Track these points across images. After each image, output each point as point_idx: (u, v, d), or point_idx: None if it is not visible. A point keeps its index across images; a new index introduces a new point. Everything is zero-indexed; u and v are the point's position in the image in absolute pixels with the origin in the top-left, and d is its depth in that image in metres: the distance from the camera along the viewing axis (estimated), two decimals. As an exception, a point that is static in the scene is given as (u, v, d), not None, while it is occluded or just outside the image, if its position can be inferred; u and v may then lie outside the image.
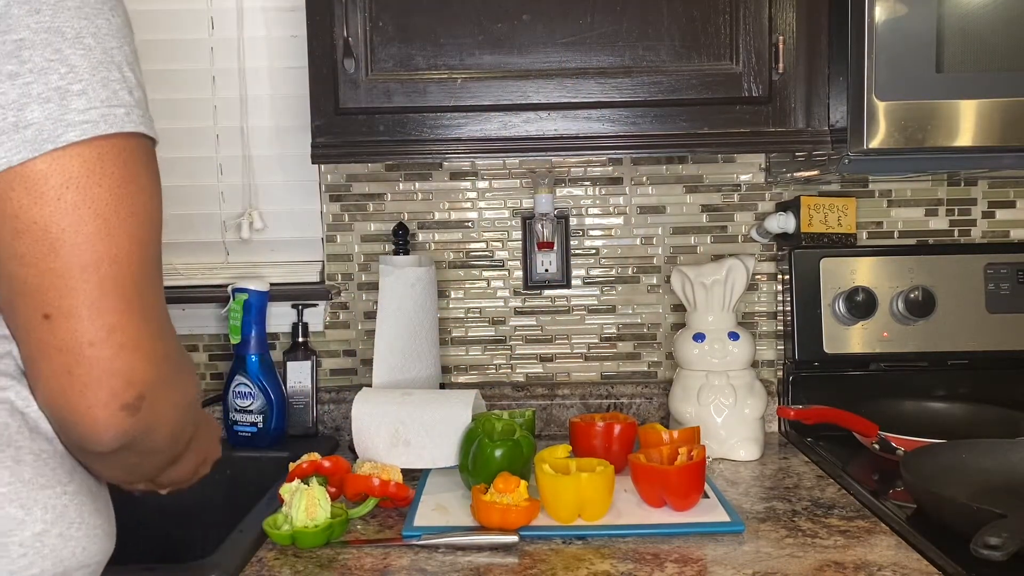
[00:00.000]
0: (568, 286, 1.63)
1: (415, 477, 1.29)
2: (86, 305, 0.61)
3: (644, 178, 1.62)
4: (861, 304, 1.50)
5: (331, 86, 1.27)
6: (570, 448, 1.20)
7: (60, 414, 0.64)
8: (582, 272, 1.63)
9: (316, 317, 1.63)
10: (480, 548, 1.04)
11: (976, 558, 0.88)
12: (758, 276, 1.62)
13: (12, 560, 0.62)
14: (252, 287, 1.50)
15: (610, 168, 1.62)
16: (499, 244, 1.63)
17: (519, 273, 1.63)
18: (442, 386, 1.59)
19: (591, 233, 1.63)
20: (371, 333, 1.61)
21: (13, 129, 0.59)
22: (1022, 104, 1.17)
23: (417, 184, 1.62)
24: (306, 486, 1.09)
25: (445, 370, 1.64)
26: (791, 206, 1.54)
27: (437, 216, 1.63)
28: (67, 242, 0.60)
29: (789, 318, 1.54)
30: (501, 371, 1.65)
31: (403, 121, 1.28)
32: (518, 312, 1.64)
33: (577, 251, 1.63)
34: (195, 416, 0.76)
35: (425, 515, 1.14)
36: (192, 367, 0.75)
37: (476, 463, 1.19)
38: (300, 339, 1.58)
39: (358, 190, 1.62)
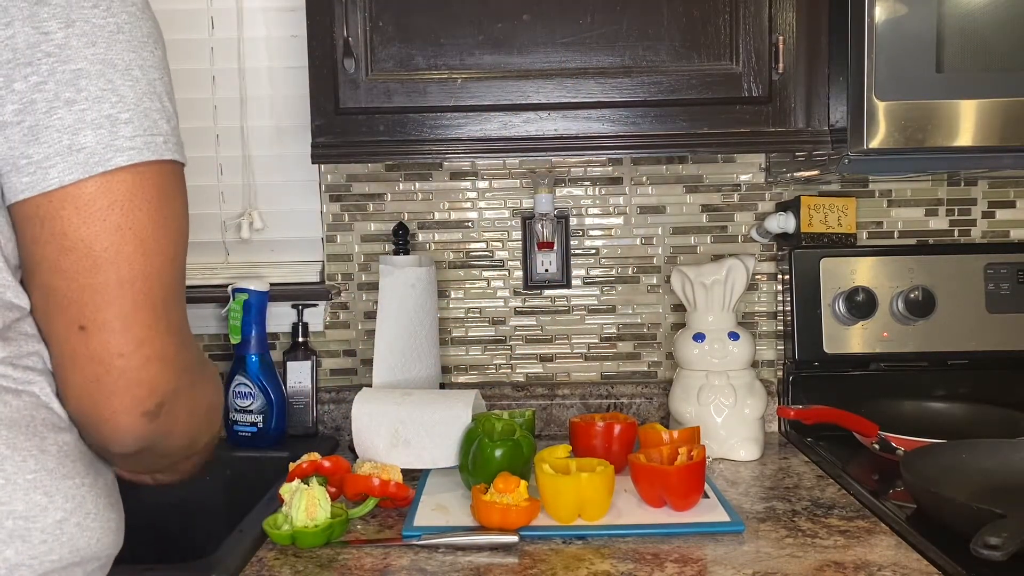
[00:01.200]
0: (568, 286, 1.63)
1: (415, 477, 1.29)
2: (119, 319, 0.66)
3: (644, 178, 1.62)
4: (861, 304, 1.50)
5: (331, 86, 1.27)
6: (570, 448, 1.20)
7: (87, 418, 0.68)
8: (582, 272, 1.63)
9: (316, 317, 1.63)
10: (480, 548, 1.04)
11: (976, 558, 0.88)
12: (758, 276, 1.62)
13: (33, 545, 0.65)
14: (252, 287, 1.50)
15: (610, 168, 1.62)
16: (499, 244, 1.63)
17: (519, 273, 1.63)
18: (442, 386, 1.59)
19: (591, 233, 1.63)
20: (371, 333, 1.61)
21: (68, 151, 0.64)
22: (1022, 104, 1.17)
23: (417, 184, 1.62)
24: (306, 486, 1.09)
25: (445, 370, 1.64)
26: (791, 206, 1.54)
27: (437, 216, 1.63)
28: (108, 260, 0.65)
29: (789, 318, 1.54)
30: (501, 371, 1.65)
31: (403, 121, 1.28)
32: (518, 312, 1.64)
33: (577, 251, 1.63)
34: (214, 419, 0.81)
35: (425, 515, 1.14)
36: (213, 374, 0.80)
37: (476, 463, 1.19)
38: (300, 339, 1.58)
39: (358, 190, 1.62)
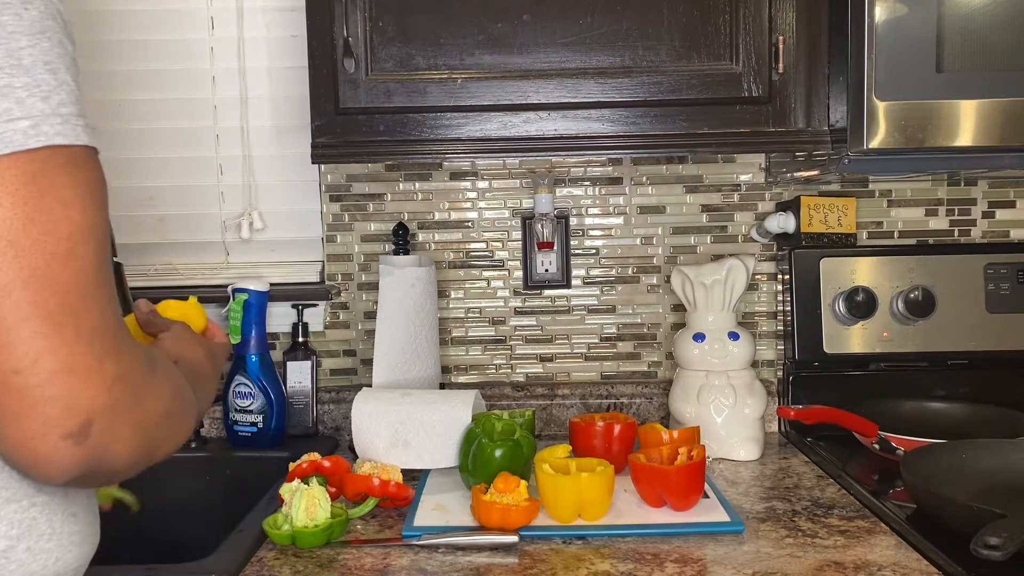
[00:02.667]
0: (568, 286, 1.63)
1: (415, 477, 1.29)
2: (2, 332, 0.56)
3: (644, 178, 1.62)
4: (861, 304, 1.50)
5: (331, 86, 1.27)
6: (570, 448, 1.20)
7: (2, 450, 0.60)
8: (582, 272, 1.63)
9: (316, 317, 1.63)
10: (480, 548, 1.04)
11: (976, 558, 0.88)
12: (758, 276, 1.62)
13: None
14: (252, 287, 1.50)
15: (610, 168, 1.62)
16: (499, 244, 1.63)
17: (519, 273, 1.63)
18: (442, 386, 1.59)
19: (591, 233, 1.63)
20: (371, 333, 1.60)
21: None
22: (1022, 104, 1.17)
23: (417, 184, 1.62)
24: (306, 486, 1.09)
25: (445, 370, 1.64)
26: (791, 206, 1.54)
27: (437, 216, 1.63)
28: None
29: (789, 318, 1.54)
30: (501, 371, 1.65)
31: (403, 121, 1.28)
32: (518, 312, 1.64)
33: (577, 251, 1.63)
34: (178, 427, 0.71)
35: (425, 515, 1.14)
36: (167, 376, 0.70)
37: (476, 463, 1.19)
38: (300, 339, 1.58)
39: (358, 190, 1.62)
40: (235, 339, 1.50)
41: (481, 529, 1.08)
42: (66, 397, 0.58)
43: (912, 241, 1.61)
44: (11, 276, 0.56)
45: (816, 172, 1.42)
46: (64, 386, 0.58)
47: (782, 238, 1.57)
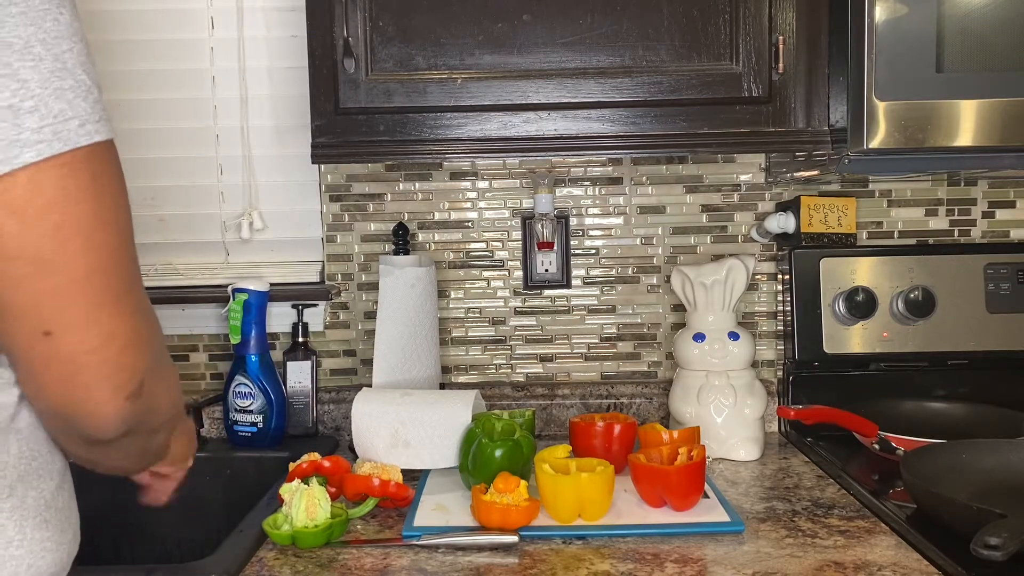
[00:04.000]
0: (568, 286, 1.63)
1: (415, 477, 1.29)
2: (83, 316, 0.62)
3: (644, 178, 1.62)
4: (861, 304, 1.50)
5: (331, 86, 1.27)
6: (570, 448, 1.20)
7: (68, 415, 0.65)
8: (582, 272, 1.63)
9: (316, 317, 1.63)
10: (480, 548, 1.04)
11: (976, 558, 0.88)
12: (758, 276, 1.62)
13: None
14: (252, 287, 1.50)
15: (610, 168, 1.62)
16: (499, 244, 1.63)
17: (519, 273, 1.63)
18: (442, 386, 1.60)
19: (591, 233, 1.63)
20: (371, 333, 1.61)
21: None
22: (1022, 104, 1.17)
23: (417, 184, 1.62)
24: (306, 486, 1.09)
25: (445, 370, 1.64)
26: (791, 206, 1.54)
27: (437, 216, 1.63)
28: (56, 263, 0.61)
29: (789, 318, 1.54)
30: (501, 371, 1.65)
31: (403, 121, 1.28)
32: (518, 312, 1.64)
33: (577, 251, 1.63)
34: (179, 399, 0.79)
35: (425, 515, 1.14)
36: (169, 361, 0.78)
37: (476, 463, 1.19)
38: (300, 339, 1.58)
39: (358, 190, 1.62)
40: (235, 339, 1.51)
41: (481, 529, 1.08)
42: (131, 366, 0.65)
43: (912, 241, 1.61)
44: (89, 267, 0.62)
45: (816, 172, 1.42)
46: (131, 357, 0.65)
47: (782, 238, 1.57)
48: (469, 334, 1.64)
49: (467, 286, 1.64)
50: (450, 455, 1.28)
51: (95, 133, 0.62)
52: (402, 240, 1.54)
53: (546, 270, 1.62)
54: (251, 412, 1.51)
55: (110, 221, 0.63)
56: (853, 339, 1.52)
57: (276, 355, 1.60)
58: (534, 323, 1.64)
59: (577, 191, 1.62)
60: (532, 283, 1.63)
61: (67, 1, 0.62)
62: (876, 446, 1.35)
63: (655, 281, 1.63)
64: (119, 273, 0.64)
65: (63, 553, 0.70)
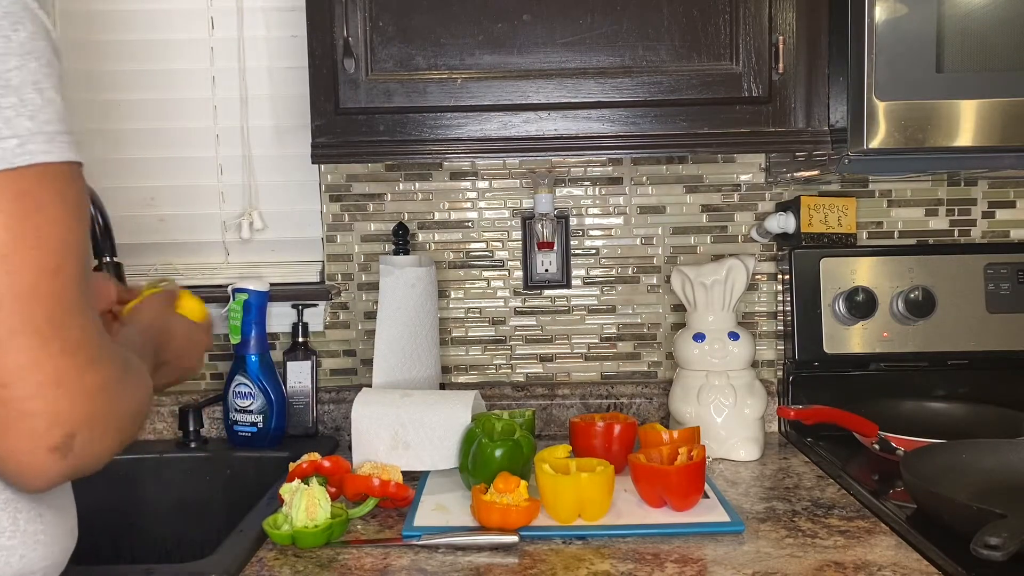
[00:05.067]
0: (568, 286, 1.63)
1: (415, 477, 1.29)
2: None
3: (644, 178, 1.62)
4: (861, 304, 1.50)
5: (331, 86, 1.27)
6: (570, 448, 1.20)
7: None
8: (582, 272, 1.63)
9: (316, 317, 1.63)
10: (480, 548, 1.04)
11: (976, 558, 0.88)
12: (758, 276, 1.62)
13: None
14: (252, 287, 1.50)
15: (610, 168, 1.62)
16: (499, 244, 1.63)
17: (519, 273, 1.63)
18: (442, 386, 1.59)
19: (591, 233, 1.63)
20: (371, 333, 1.60)
21: None
22: (1022, 104, 1.17)
23: (417, 184, 1.62)
24: (306, 486, 1.09)
25: (445, 370, 1.64)
26: (791, 206, 1.54)
27: (437, 216, 1.63)
28: None
29: (789, 318, 1.54)
30: (501, 371, 1.65)
31: (403, 121, 1.28)
32: (518, 312, 1.64)
33: (577, 251, 1.63)
34: (143, 414, 0.71)
35: (425, 515, 1.14)
36: (136, 374, 0.70)
37: (476, 463, 1.19)
38: (300, 339, 1.58)
39: (358, 190, 1.62)
40: (235, 339, 1.51)
41: (481, 529, 1.08)
42: (51, 411, 0.59)
43: (912, 241, 1.61)
44: (1, 291, 0.58)
45: (816, 172, 1.42)
46: (49, 399, 0.59)
47: (782, 238, 1.57)
48: (469, 334, 1.64)
49: (467, 286, 1.64)
50: (450, 456, 1.28)
51: (40, 154, 0.59)
52: (402, 240, 1.54)
53: (546, 270, 1.62)
54: (251, 412, 1.51)
55: (38, 247, 0.59)
56: (853, 339, 1.52)
57: (276, 355, 1.60)
58: (534, 323, 1.64)
59: (577, 191, 1.62)
60: (532, 283, 1.63)
61: (26, 20, 0.60)
62: (876, 446, 1.35)
63: (655, 281, 1.63)
64: (46, 302, 0.59)
65: (57, 548, 0.70)
